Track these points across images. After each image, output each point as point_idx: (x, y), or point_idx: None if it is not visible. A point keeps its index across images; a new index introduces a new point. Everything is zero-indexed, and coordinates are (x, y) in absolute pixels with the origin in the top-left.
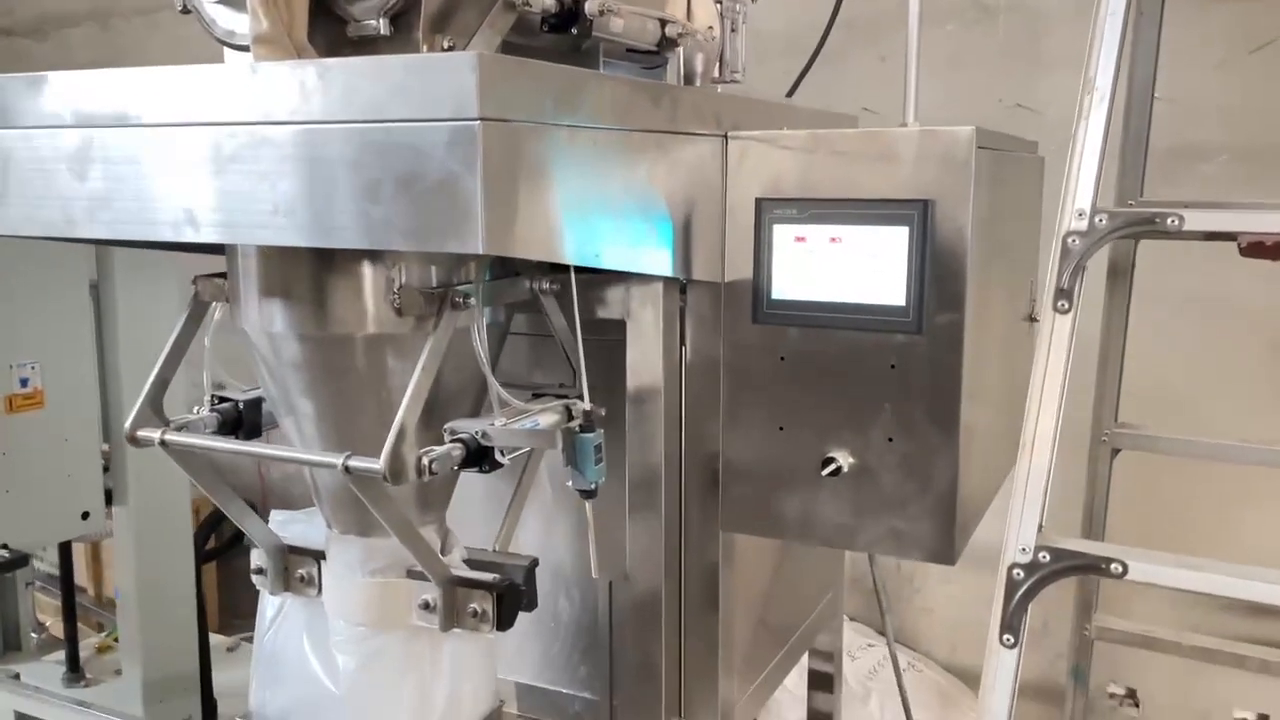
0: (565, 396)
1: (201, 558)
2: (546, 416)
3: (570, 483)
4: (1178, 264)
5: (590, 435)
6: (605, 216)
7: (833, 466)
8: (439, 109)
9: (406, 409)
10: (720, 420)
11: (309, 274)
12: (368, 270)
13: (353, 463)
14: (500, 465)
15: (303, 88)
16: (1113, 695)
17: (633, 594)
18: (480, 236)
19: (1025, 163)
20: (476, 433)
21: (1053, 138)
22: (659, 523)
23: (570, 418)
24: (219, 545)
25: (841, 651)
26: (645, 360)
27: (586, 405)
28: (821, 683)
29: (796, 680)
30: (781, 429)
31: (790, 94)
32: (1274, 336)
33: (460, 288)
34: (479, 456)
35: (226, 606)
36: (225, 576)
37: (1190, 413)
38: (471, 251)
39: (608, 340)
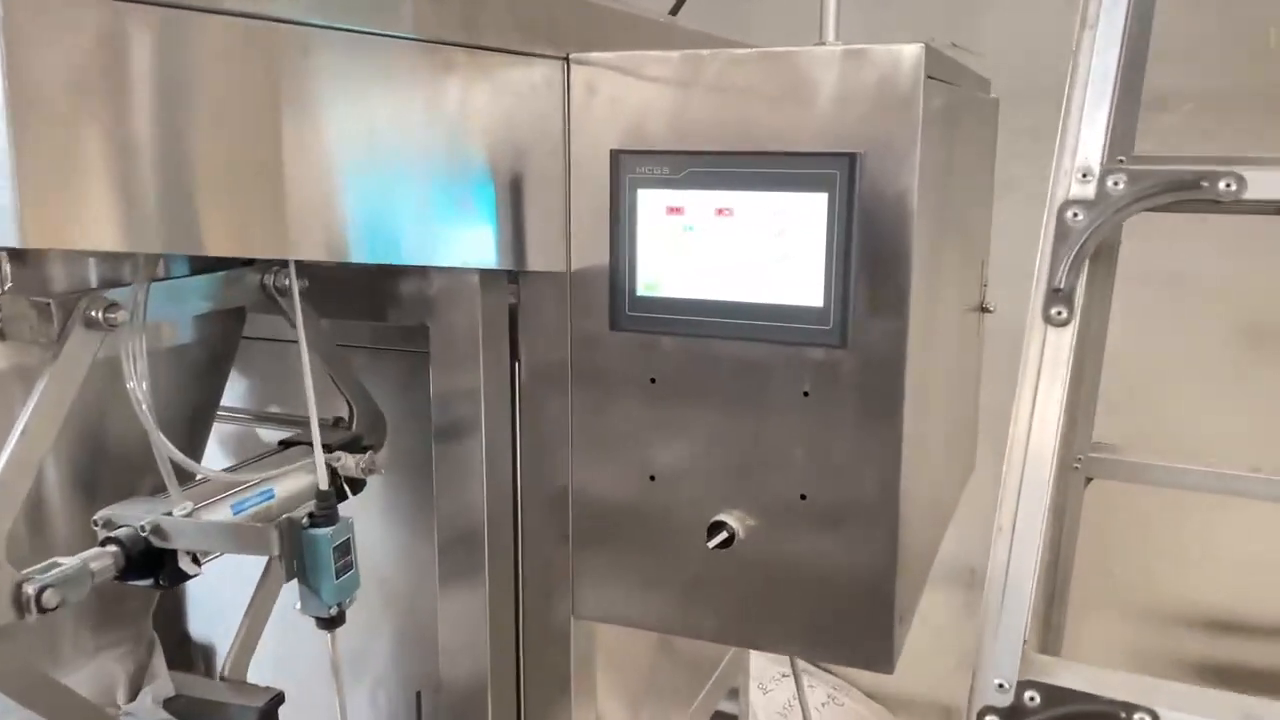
0: (327, 446)
1: None
2: (290, 483)
3: (299, 605)
4: (1130, 234)
5: (322, 532)
6: (340, 176)
7: (722, 535)
8: None
9: None
10: (569, 467)
11: None
12: None
13: None
14: (186, 577)
15: None
16: None
17: (449, 704)
18: (13, 220)
19: (979, 105)
20: (142, 527)
21: (995, 84)
22: (481, 603)
23: (334, 479)
24: None
25: (749, 690)
26: (456, 382)
27: (325, 479)
28: None
29: None
30: (653, 479)
31: (675, 10)
32: (1241, 318)
33: (108, 293)
34: (151, 563)
35: None
36: None
37: (1149, 404)
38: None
39: (421, 352)
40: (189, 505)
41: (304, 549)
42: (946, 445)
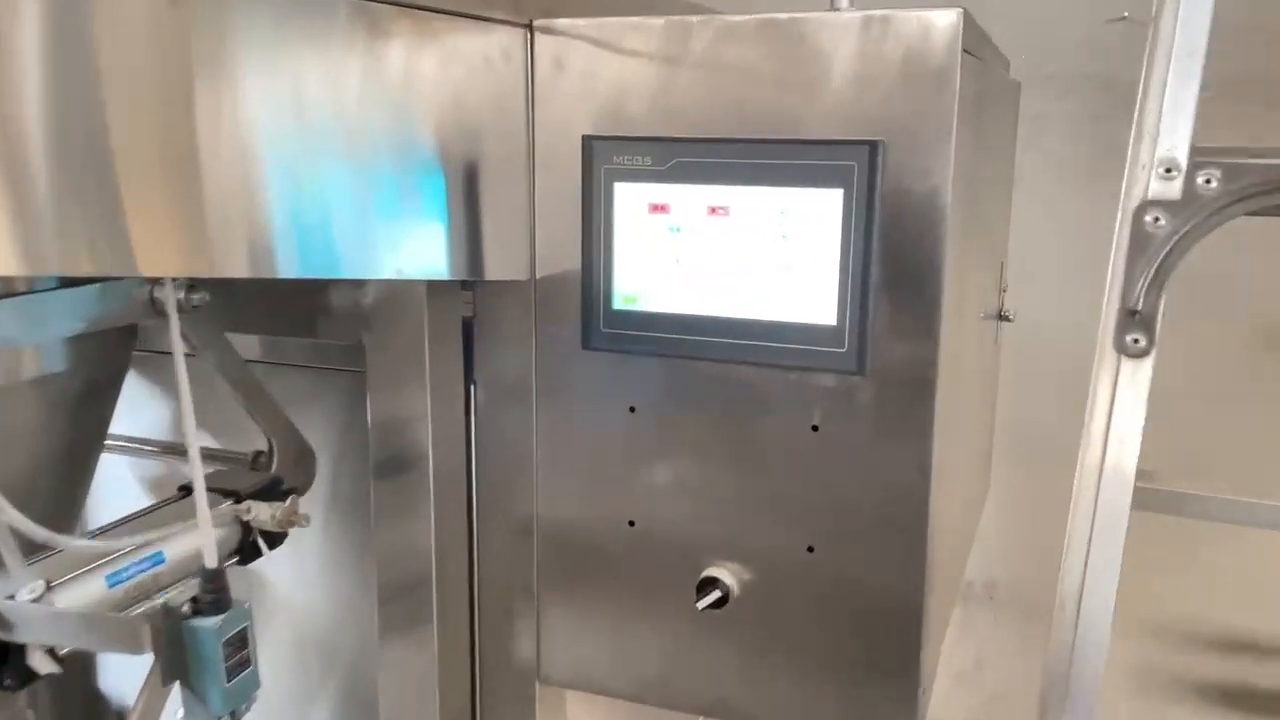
0: (236, 493)
1: None
2: (180, 544)
3: (180, 714)
4: None
5: (209, 623)
6: (260, 169)
7: (714, 594)
8: None
9: None
10: (534, 511)
11: None
12: None
13: None
14: (37, 677)
15: None
16: None
17: None
18: None
19: (1004, 87)
20: None
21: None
22: (429, 661)
23: (247, 533)
24: None
25: None
26: (399, 408)
27: (213, 556)
28: None
29: None
30: (632, 525)
31: None
32: (1272, 325)
33: None
34: None
35: None
36: None
37: (1170, 418)
38: None
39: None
40: (39, 585)
41: (188, 645)
42: (967, 476)
